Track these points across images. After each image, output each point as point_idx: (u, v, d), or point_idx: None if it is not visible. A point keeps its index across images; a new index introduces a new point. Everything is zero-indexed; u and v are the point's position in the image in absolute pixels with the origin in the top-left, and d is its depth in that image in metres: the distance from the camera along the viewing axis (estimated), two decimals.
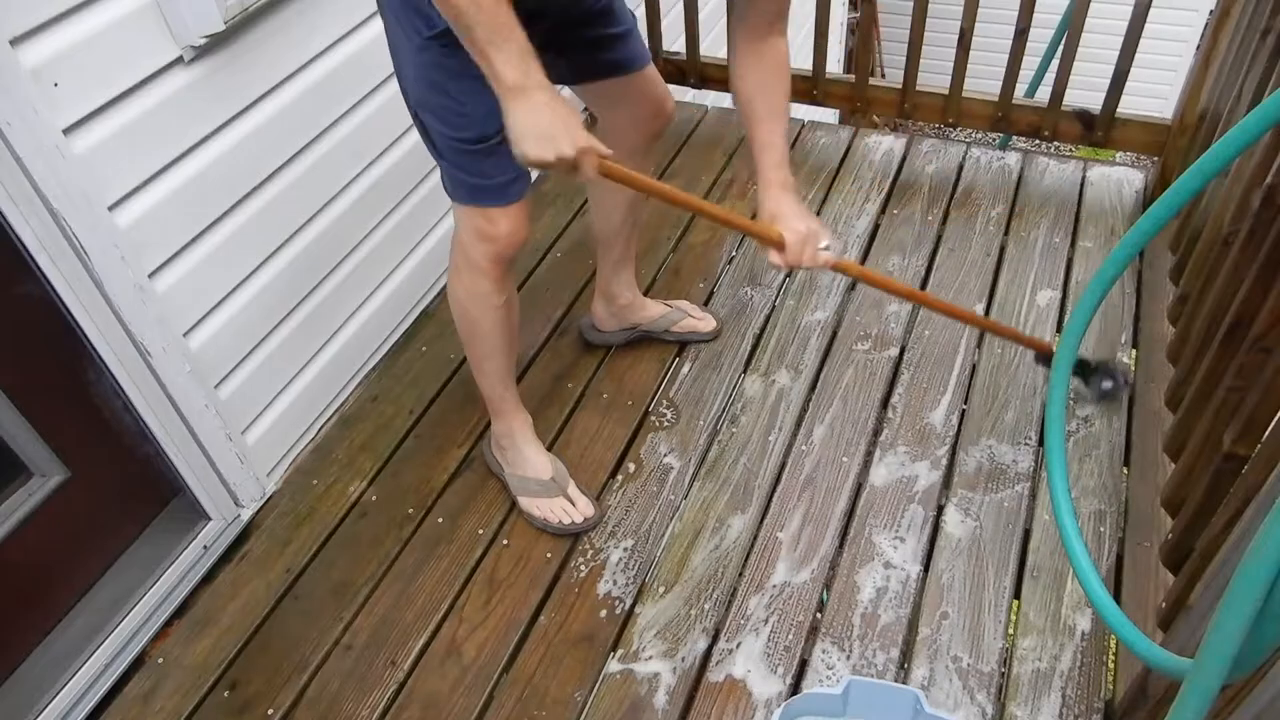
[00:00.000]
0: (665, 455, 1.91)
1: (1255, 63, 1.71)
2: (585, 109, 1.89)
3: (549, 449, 1.88)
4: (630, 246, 1.97)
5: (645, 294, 2.18)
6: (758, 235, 1.47)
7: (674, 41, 2.82)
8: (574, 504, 1.77)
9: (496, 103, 1.30)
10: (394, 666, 1.61)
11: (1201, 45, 2.13)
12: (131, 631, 1.66)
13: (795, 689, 1.53)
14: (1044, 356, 1.89)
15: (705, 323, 2.12)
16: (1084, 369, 1.87)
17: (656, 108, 1.71)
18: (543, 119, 1.21)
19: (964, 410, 1.94)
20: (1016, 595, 1.63)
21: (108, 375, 1.58)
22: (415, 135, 2.09)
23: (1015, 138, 3.04)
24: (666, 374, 2.07)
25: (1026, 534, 1.71)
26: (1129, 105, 2.34)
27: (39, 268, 1.43)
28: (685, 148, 2.73)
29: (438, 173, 2.19)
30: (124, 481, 1.73)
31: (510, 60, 1.19)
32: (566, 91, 1.70)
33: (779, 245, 1.44)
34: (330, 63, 1.81)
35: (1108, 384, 1.87)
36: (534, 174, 1.49)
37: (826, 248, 1.47)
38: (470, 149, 1.42)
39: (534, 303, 2.25)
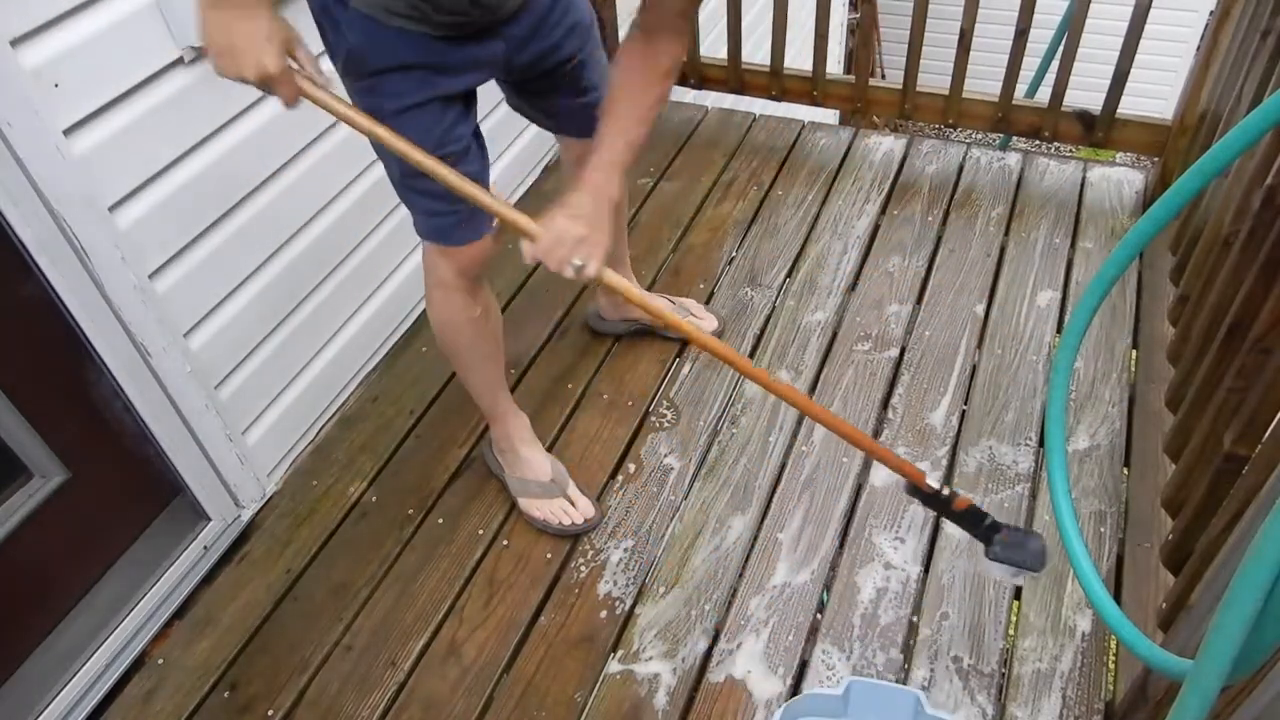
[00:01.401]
0: (665, 456, 1.91)
1: (1255, 63, 1.71)
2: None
3: (549, 450, 1.88)
4: (620, 244, 1.97)
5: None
6: (512, 224, 1.27)
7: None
8: (574, 505, 1.77)
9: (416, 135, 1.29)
10: (394, 667, 1.61)
11: (1201, 45, 2.13)
12: (132, 632, 1.66)
13: (795, 689, 1.53)
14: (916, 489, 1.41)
15: (707, 322, 2.12)
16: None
17: None
18: (229, 35, 1.14)
19: (964, 411, 1.94)
20: (1017, 596, 1.63)
21: (108, 376, 1.58)
22: None
23: (1015, 138, 3.03)
24: (667, 374, 2.07)
25: None
26: (1129, 106, 2.34)
27: (39, 268, 1.43)
28: (685, 148, 2.73)
29: None
30: (124, 482, 1.73)
31: None
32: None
33: (531, 237, 1.25)
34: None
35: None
36: (493, 220, 1.47)
37: (581, 266, 1.23)
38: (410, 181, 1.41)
39: (534, 303, 2.25)
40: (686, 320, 2.10)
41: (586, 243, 1.23)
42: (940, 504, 1.41)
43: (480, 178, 1.47)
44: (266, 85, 1.18)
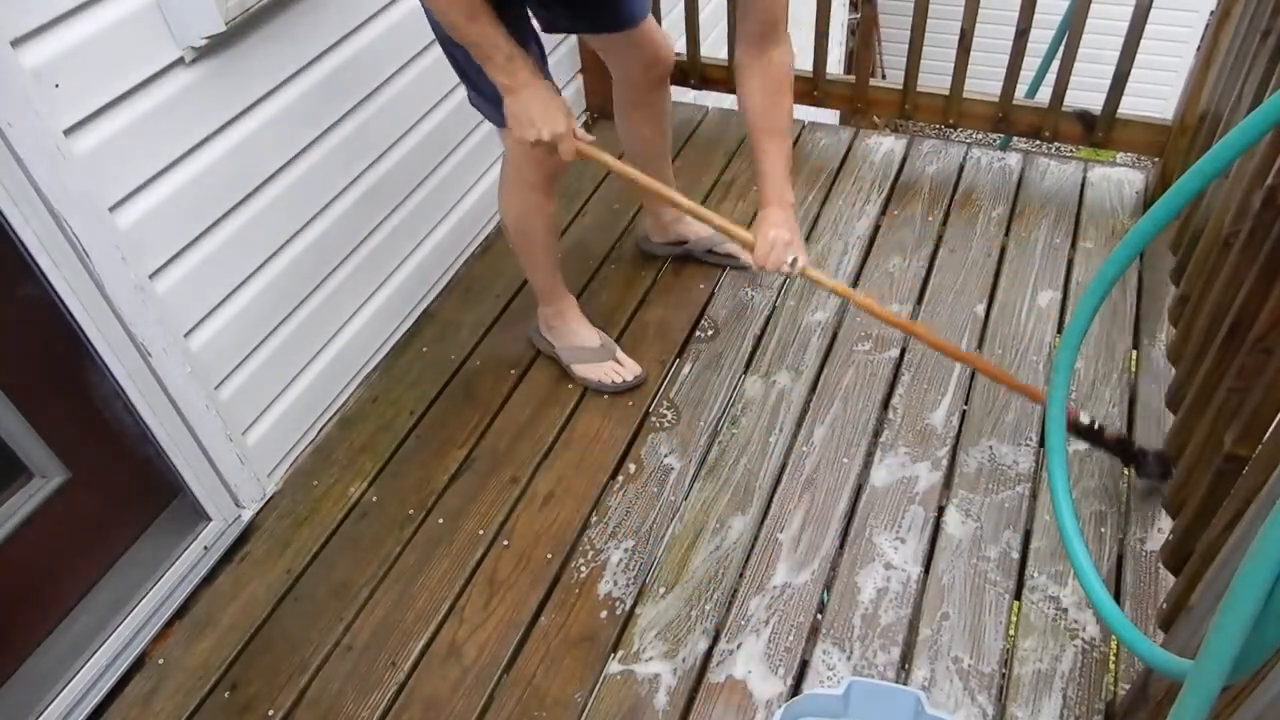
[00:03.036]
0: (666, 456, 1.91)
1: (1255, 63, 1.71)
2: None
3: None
4: (667, 167, 2.15)
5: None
6: (731, 234, 1.66)
7: (674, 43, 2.81)
8: (623, 365, 1.98)
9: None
10: (394, 667, 1.61)
11: (1202, 46, 2.13)
12: (132, 632, 1.66)
13: (796, 690, 1.53)
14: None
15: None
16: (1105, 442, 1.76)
17: (652, 57, 1.88)
18: (529, 110, 1.48)
19: (964, 411, 1.94)
20: (1017, 596, 1.63)
21: (108, 376, 1.58)
22: (417, 136, 2.11)
23: (1016, 138, 3.03)
24: (667, 375, 2.07)
25: (1027, 534, 1.71)
26: (1129, 106, 2.34)
27: (40, 268, 1.43)
28: (686, 148, 2.73)
29: (439, 174, 2.22)
30: (125, 482, 1.73)
31: (500, 67, 1.45)
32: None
33: (749, 247, 1.64)
34: (331, 64, 1.81)
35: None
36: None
37: (794, 261, 1.62)
38: None
39: (534, 303, 2.25)
40: (728, 244, 2.22)
41: (793, 245, 1.61)
42: (1091, 435, 1.72)
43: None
44: (555, 142, 1.51)
